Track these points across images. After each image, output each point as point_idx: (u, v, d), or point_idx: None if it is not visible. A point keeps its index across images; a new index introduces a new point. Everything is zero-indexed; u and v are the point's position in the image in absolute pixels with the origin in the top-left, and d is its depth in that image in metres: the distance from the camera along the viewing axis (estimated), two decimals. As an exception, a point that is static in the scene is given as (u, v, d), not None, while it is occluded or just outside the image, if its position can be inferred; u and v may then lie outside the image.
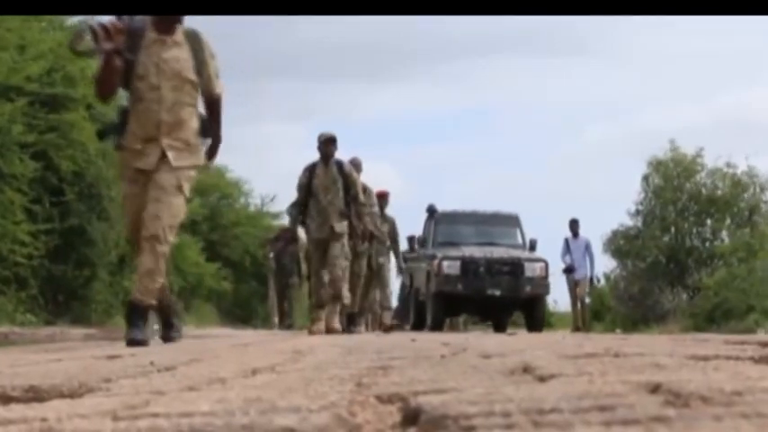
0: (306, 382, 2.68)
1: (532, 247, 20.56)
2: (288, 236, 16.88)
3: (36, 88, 14.64)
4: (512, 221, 21.16)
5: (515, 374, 2.79)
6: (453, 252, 19.60)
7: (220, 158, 13.67)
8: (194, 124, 7.36)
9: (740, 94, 70.39)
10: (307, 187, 12.89)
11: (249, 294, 28.71)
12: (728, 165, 24.05)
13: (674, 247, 23.93)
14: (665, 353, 3.75)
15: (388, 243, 17.54)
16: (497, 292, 19.02)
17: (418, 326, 19.96)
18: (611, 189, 58.75)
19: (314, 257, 13.13)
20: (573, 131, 76.39)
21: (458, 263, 19.18)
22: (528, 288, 19.09)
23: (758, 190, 23.83)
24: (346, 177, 12.87)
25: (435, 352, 4.52)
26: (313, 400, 2.02)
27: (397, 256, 18.22)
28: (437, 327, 19.11)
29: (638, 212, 24.79)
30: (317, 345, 6.29)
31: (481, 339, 7.57)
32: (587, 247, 21.54)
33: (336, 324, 12.57)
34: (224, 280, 25.57)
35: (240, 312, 27.94)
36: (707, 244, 24.03)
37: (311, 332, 12.17)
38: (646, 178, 24.79)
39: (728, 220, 23.98)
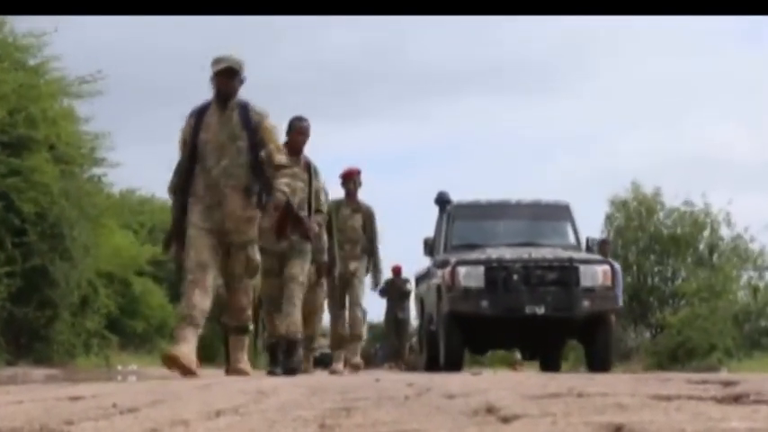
0: (269, 424, 2.67)
1: (589, 246, 14.69)
2: None
3: (-4, 130, 14.58)
4: (560, 213, 15.04)
5: (479, 415, 2.79)
6: (474, 255, 13.54)
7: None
8: None
9: (704, 129, 70.91)
10: (190, 145, 8.48)
11: (212, 335, 28.54)
12: (686, 203, 24.23)
13: (636, 287, 24.02)
14: (627, 392, 3.76)
15: (363, 244, 13.25)
16: (541, 311, 12.95)
17: (432, 365, 14.06)
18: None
19: (195, 262, 8.34)
20: (538, 169, 76.69)
21: (480, 270, 13.13)
22: (586, 303, 12.98)
23: (715, 227, 23.99)
24: (254, 129, 8.48)
25: (399, 392, 4.52)
26: (276, 443, 2.01)
27: (375, 266, 13.42)
28: (453, 364, 13.16)
29: (601, 252, 24.88)
30: (280, 385, 6.27)
31: (446, 379, 7.56)
32: None
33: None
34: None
35: (203, 353, 27.80)
36: (669, 283, 24.15)
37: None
38: (608, 218, 24.94)
39: (689, 259, 24.13)
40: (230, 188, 8.39)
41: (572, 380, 6.23)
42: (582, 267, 13.16)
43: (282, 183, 8.60)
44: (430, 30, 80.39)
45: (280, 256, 9.99)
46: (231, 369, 9.08)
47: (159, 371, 16.12)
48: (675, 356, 18.79)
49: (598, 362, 13.07)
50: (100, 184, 19.13)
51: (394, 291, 23.03)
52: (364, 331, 13.78)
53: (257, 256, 8.68)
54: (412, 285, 24.12)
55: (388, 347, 26.16)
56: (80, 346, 17.23)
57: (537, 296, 12.96)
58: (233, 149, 8.40)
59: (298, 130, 10.45)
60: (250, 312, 9.10)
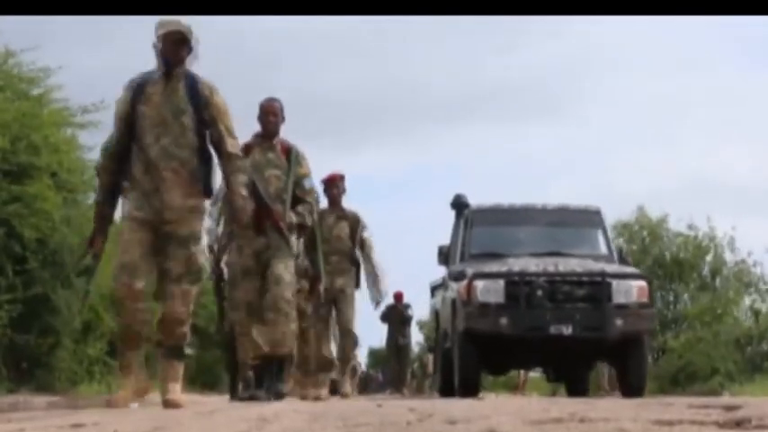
0: (272, 451, 2.67)
1: (623, 257, 13.55)
2: None
3: (-1, 159, 14.61)
4: (590, 219, 13.61)
5: (480, 441, 2.80)
6: (493, 267, 12.25)
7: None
8: None
9: (704, 151, 71.01)
10: (127, 120, 7.17)
11: (214, 361, 28.54)
12: (690, 227, 24.22)
13: (638, 311, 23.92)
14: (629, 417, 3.77)
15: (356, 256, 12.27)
16: (567, 331, 11.70)
17: (447, 388, 12.81)
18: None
19: (120, 265, 7.09)
20: (538, 194, 76.86)
21: (500, 283, 11.87)
22: (619, 322, 11.70)
23: (719, 252, 23.98)
24: (202, 104, 7.15)
25: (401, 418, 4.52)
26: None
27: (371, 278, 12.24)
28: (468, 388, 11.89)
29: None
30: (281, 411, 6.27)
31: (448, 404, 7.56)
32: None
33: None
34: (189, 346, 25.41)
35: (205, 379, 27.78)
36: (671, 307, 24.12)
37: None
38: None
39: (691, 284, 24.12)
40: (171, 171, 7.06)
41: (574, 405, 6.23)
42: (615, 282, 11.86)
43: (240, 183, 7.37)
44: (430, 57, 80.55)
45: (258, 255, 8.92)
46: (163, 400, 7.34)
47: (160, 398, 16.08)
48: (677, 380, 18.78)
49: (630, 387, 11.92)
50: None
51: (395, 316, 23.04)
52: (357, 363, 12.98)
53: (202, 258, 7.30)
54: (413, 311, 24.18)
55: (390, 373, 26.15)
56: (82, 373, 17.20)
57: (563, 314, 11.73)
58: (176, 126, 7.11)
59: (267, 110, 9.30)
60: (187, 329, 7.20)
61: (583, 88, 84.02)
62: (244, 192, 7.43)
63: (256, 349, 8.86)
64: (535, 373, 21.91)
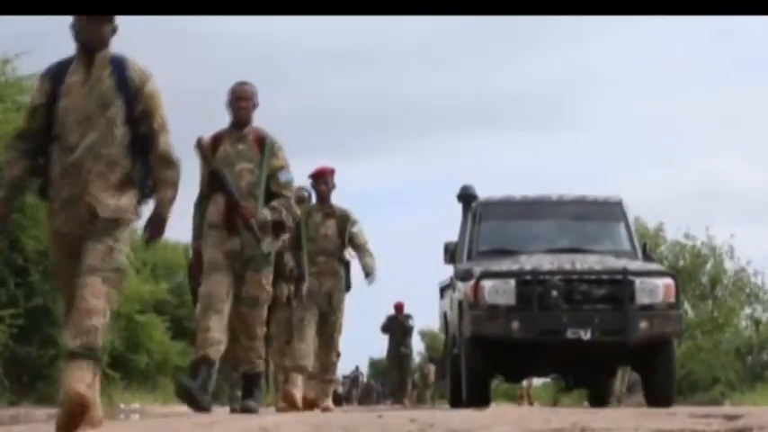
0: (273, 462, 2.68)
1: (647, 253, 12.20)
2: None
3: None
4: (611, 211, 12.39)
5: (482, 451, 2.80)
6: (503, 265, 11.17)
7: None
8: None
9: (705, 162, 71.09)
10: (41, 115, 6.00)
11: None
12: (687, 236, 24.22)
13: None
14: (631, 427, 3.77)
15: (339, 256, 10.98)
16: (586, 335, 10.57)
17: (457, 397, 11.71)
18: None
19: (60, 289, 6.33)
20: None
21: (510, 283, 10.78)
22: (643, 325, 10.63)
23: (718, 260, 23.99)
24: (134, 94, 6.00)
25: (402, 429, 4.52)
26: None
27: (366, 263, 10.99)
28: (477, 399, 10.87)
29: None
30: (282, 422, 6.26)
31: (449, 414, 7.55)
32: None
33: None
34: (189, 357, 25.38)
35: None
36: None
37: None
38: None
39: (690, 293, 24.15)
40: (98, 175, 5.86)
41: (575, 415, 6.23)
42: (638, 280, 10.76)
43: (168, 200, 6.10)
44: (430, 68, 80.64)
45: (230, 255, 8.08)
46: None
47: (162, 409, 16.09)
48: (679, 389, 18.75)
49: (657, 396, 10.82)
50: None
51: (396, 327, 23.04)
52: (334, 373, 11.36)
53: (123, 258, 5.93)
54: (414, 321, 24.17)
55: (391, 383, 26.16)
56: (83, 384, 17.20)
57: (581, 317, 10.64)
58: (103, 121, 5.93)
59: (237, 95, 8.30)
60: (100, 327, 5.71)
61: (583, 99, 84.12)
62: (169, 211, 6.15)
63: (207, 343, 7.85)
64: (537, 383, 21.88)
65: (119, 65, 6.03)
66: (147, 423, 7.47)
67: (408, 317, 23.63)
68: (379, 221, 79.14)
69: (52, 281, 15.64)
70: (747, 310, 22.56)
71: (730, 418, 4.60)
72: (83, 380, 5.65)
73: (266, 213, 8.11)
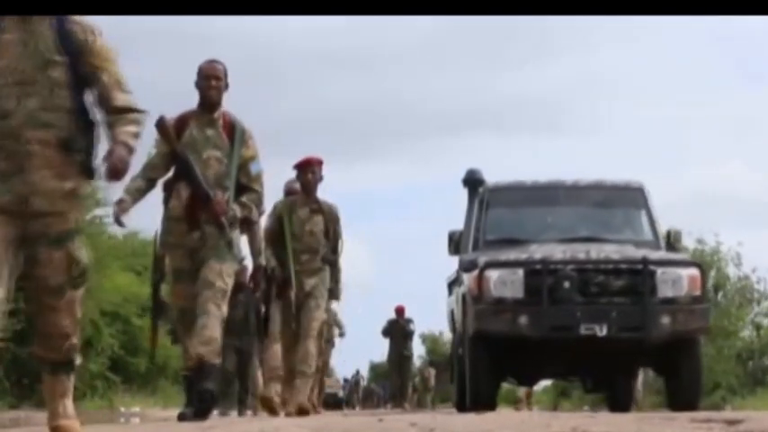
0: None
1: (671, 243, 11.04)
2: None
3: None
4: (631, 198, 11.40)
5: (481, 455, 2.79)
6: (510, 254, 10.28)
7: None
8: None
9: (710, 166, 71.10)
10: None
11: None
12: (699, 241, 24.16)
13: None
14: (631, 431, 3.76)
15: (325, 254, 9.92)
16: (602, 332, 9.62)
17: (462, 404, 10.84)
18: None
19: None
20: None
21: (518, 274, 9.87)
22: (665, 321, 9.66)
23: (722, 267, 23.95)
24: (77, 51, 5.15)
25: (402, 433, 4.51)
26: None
27: (336, 279, 10.26)
28: (481, 402, 9.92)
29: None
30: (282, 426, 6.25)
31: (449, 419, 7.54)
32: None
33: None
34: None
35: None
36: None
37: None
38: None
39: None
40: (39, 144, 5.05)
41: (575, 419, 6.22)
42: (660, 270, 9.82)
43: (129, 133, 5.20)
44: (431, 71, 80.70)
45: (192, 253, 7.37)
46: (53, 427, 5.49)
47: (162, 413, 16.08)
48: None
49: (680, 400, 9.79)
50: (102, 225, 19.14)
51: (397, 331, 23.04)
52: (313, 366, 9.86)
53: (84, 254, 5.24)
54: (415, 325, 24.16)
55: (391, 387, 26.19)
56: (84, 388, 17.20)
57: (597, 311, 9.71)
58: (44, 83, 5.10)
59: (207, 74, 7.50)
60: (77, 339, 5.36)
61: (584, 103, 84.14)
62: (132, 143, 5.19)
63: (190, 361, 7.33)
64: (537, 386, 21.83)
65: (59, 20, 5.20)
66: (148, 427, 7.45)
67: (409, 321, 23.64)
68: (380, 225, 79.27)
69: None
70: (749, 315, 22.53)
71: (731, 422, 4.60)
72: None
73: (236, 210, 7.40)
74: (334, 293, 10.35)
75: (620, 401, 12.59)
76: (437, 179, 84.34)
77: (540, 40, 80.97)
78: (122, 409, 17.40)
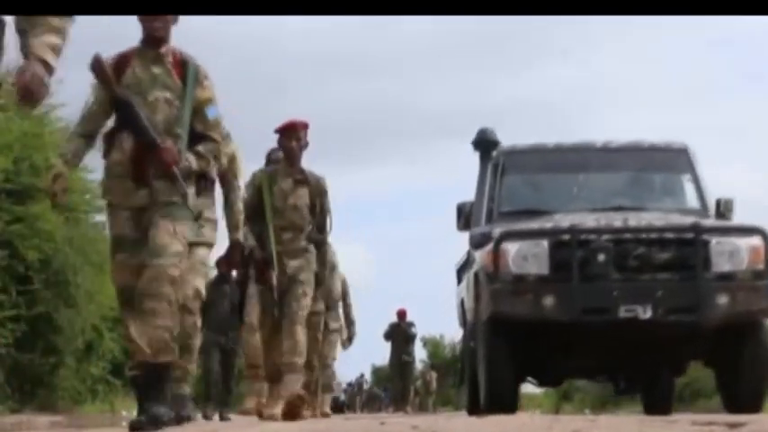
0: (274, 471, 2.67)
1: (721, 211, 9.32)
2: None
3: (1, 179, 14.63)
4: (673, 161, 9.68)
5: (483, 459, 2.80)
6: (533, 224, 8.69)
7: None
8: None
9: (710, 170, 71.12)
10: None
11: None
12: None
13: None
14: (632, 435, 3.76)
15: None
16: (646, 314, 8.01)
17: (474, 406, 9.41)
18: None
19: None
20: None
21: (543, 245, 8.20)
22: (722, 300, 8.06)
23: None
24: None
25: (404, 437, 4.51)
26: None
27: (322, 263, 8.91)
28: (499, 403, 8.38)
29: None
30: (284, 430, 6.26)
31: (450, 422, 7.54)
32: None
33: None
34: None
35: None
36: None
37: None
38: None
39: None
40: None
41: (576, 422, 6.22)
42: (714, 240, 8.19)
43: (46, 44, 4.25)
44: (432, 75, 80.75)
45: (137, 216, 6.17)
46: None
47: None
48: (681, 397, 18.73)
49: (743, 395, 8.33)
50: (104, 230, 19.13)
51: (399, 334, 23.05)
52: (304, 356, 8.62)
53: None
54: (417, 329, 24.16)
55: (393, 390, 26.20)
56: (85, 392, 17.20)
57: (639, 289, 8.11)
58: None
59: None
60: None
61: (585, 107, 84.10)
62: (51, 59, 4.28)
63: (137, 354, 6.09)
64: (536, 389, 21.77)
65: None
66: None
67: (411, 324, 23.66)
68: (382, 228, 79.14)
69: (54, 289, 15.68)
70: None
71: (733, 425, 4.59)
72: None
73: (191, 160, 6.21)
74: (319, 279, 8.86)
75: (656, 402, 11.09)
76: (440, 183, 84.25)
77: (541, 42, 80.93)
78: (124, 413, 17.39)
